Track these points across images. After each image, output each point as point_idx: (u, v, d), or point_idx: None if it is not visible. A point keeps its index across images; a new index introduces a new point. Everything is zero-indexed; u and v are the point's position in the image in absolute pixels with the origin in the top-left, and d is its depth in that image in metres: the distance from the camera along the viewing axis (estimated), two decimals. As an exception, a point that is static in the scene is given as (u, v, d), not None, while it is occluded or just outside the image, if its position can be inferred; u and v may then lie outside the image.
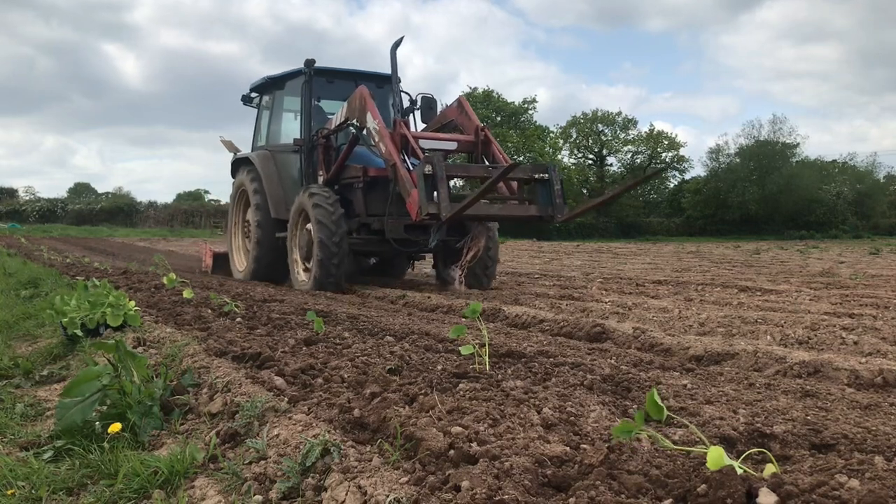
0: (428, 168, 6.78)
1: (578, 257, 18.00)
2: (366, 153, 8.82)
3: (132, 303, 4.67)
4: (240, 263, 10.64)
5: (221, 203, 69.40)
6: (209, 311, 5.16)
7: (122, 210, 57.85)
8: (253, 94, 10.94)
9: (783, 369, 3.48)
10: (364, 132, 8.21)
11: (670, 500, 1.58)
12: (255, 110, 10.90)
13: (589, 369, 3.11)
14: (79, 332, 4.31)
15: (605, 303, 6.60)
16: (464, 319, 4.85)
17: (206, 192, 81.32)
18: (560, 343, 4.25)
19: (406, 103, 9.15)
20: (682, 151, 54.08)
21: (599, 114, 54.70)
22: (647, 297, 7.22)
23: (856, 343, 4.24)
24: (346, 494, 1.72)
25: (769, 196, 45.23)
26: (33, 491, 2.14)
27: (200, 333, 4.04)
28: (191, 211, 59.56)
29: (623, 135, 54.73)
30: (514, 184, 7.77)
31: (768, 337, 4.65)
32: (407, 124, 7.90)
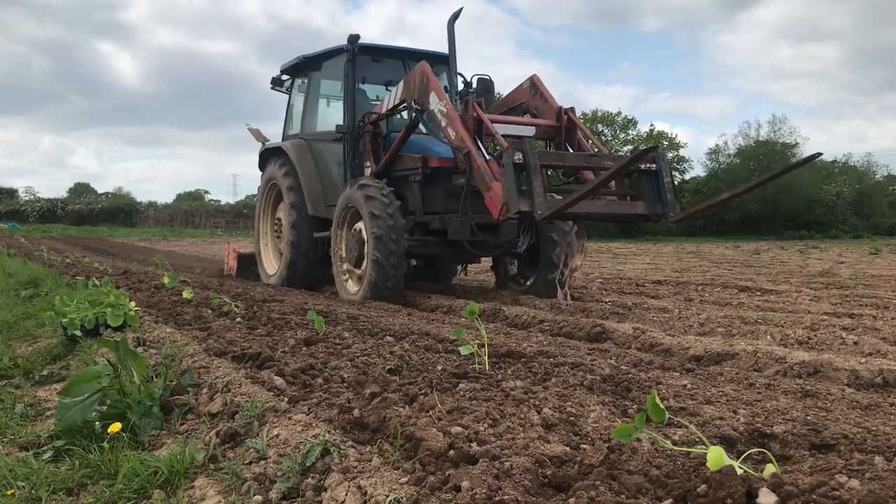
0: (518, 156, 5.68)
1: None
2: (421, 141, 7.80)
3: (132, 303, 4.67)
4: (269, 266, 9.62)
5: (221, 203, 69.63)
6: (209, 311, 5.16)
7: (122, 210, 58.00)
8: (284, 77, 9.80)
9: (783, 369, 3.49)
10: (425, 116, 7.13)
11: (670, 500, 1.58)
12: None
13: (589, 369, 3.11)
14: (79, 333, 4.31)
15: (605, 303, 6.60)
16: (463, 320, 4.85)
17: (206, 192, 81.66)
18: (560, 343, 4.25)
19: (460, 86, 8.20)
20: (681, 152, 54.04)
21: (599, 114, 54.69)
22: (647, 297, 7.22)
23: (856, 343, 4.24)
24: (346, 494, 1.72)
25: (769, 196, 45.19)
26: (33, 491, 2.14)
27: (200, 333, 4.04)
28: (191, 211, 59.71)
29: (623, 135, 54.71)
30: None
31: (768, 337, 4.65)
32: (482, 105, 6.76)
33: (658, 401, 1.66)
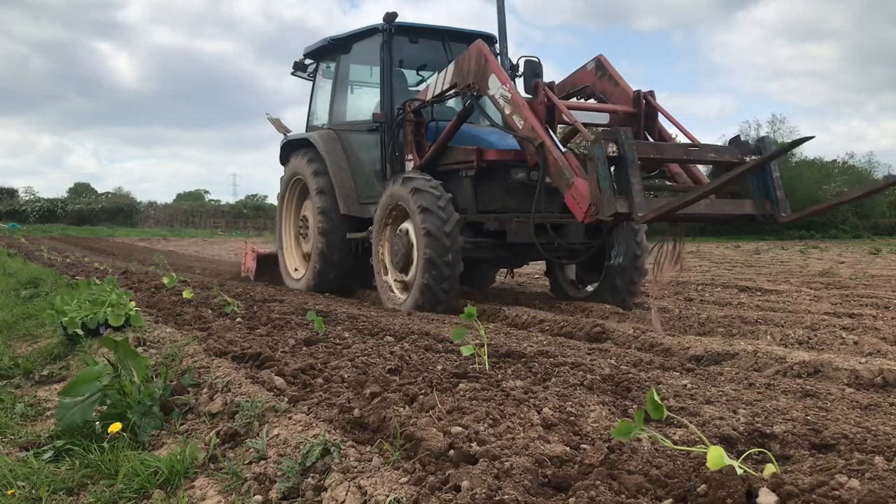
0: (612, 148, 4.78)
1: (578, 257, 17.92)
2: (473, 131, 7.04)
3: (133, 303, 4.67)
4: (294, 270, 8.88)
5: (221, 203, 69.79)
6: (209, 311, 5.16)
7: (122, 210, 58.12)
8: (308, 62, 8.96)
9: (783, 369, 3.49)
10: (482, 101, 6.37)
11: (670, 500, 1.59)
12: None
13: (589, 369, 3.11)
14: (79, 332, 4.31)
15: (606, 303, 6.59)
16: (463, 321, 4.84)
17: (206, 192, 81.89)
18: (560, 343, 4.25)
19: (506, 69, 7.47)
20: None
21: (599, 114, 54.54)
22: (647, 297, 7.21)
23: (856, 343, 4.24)
24: (346, 494, 1.72)
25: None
26: (33, 491, 2.14)
27: (200, 333, 4.04)
28: (191, 211, 59.84)
29: (623, 135, 54.60)
30: (699, 169, 5.85)
31: (768, 337, 4.65)
32: (553, 89, 5.95)
33: (657, 397, 1.66)
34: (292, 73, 9.12)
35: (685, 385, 2.90)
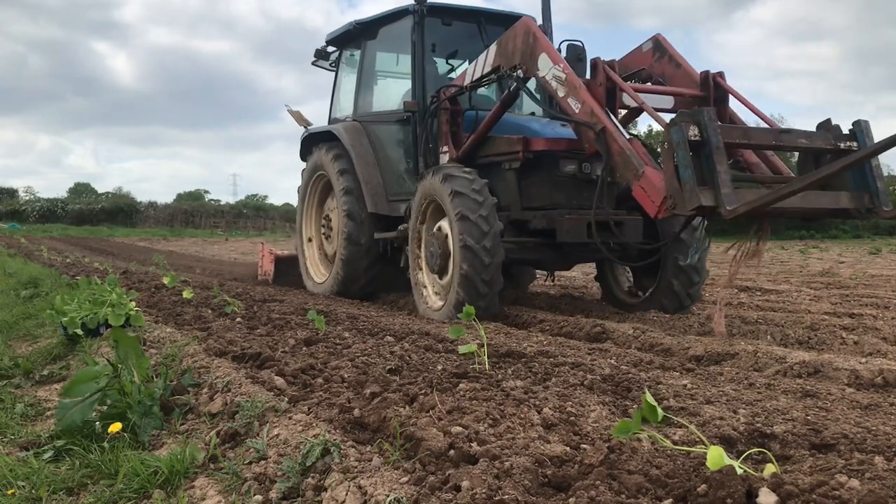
0: (693, 132, 4.15)
1: (578, 257, 17.91)
2: (515, 119, 6.46)
3: (133, 303, 4.67)
4: (316, 272, 8.24)
5: (221, 203, 69.93)
6: (209, 311, 5.16)
7: (122, 210, 58.13)
8: (330, 49, 8.34)
9: (783, 369, 3.49)
10: (528, 84, 5.76)
11: (670, 500, 1.59)
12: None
13: (589, 369, 3.11)
14: (79, 332, 4.31)
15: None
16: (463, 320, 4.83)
17: (206, 192, 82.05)
18: (560, 343, 4.25)
19: None
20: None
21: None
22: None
23: (856, 343, 4.25)
24: (346, 494, 1.72)
25: (769, 196, 44.91)
26: (33, 491, 2.14)
27: (200, 333, 4.04)
28: (191, 211, 59.90)
29: (623, 135, 54.54)
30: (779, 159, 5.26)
31: (768, 337, 4.65)
32: (615, 68, 5.32)
33: (652, 400, 1.66)
34: (313, 63, 8.53)
35: (685, 385, 2.90)
